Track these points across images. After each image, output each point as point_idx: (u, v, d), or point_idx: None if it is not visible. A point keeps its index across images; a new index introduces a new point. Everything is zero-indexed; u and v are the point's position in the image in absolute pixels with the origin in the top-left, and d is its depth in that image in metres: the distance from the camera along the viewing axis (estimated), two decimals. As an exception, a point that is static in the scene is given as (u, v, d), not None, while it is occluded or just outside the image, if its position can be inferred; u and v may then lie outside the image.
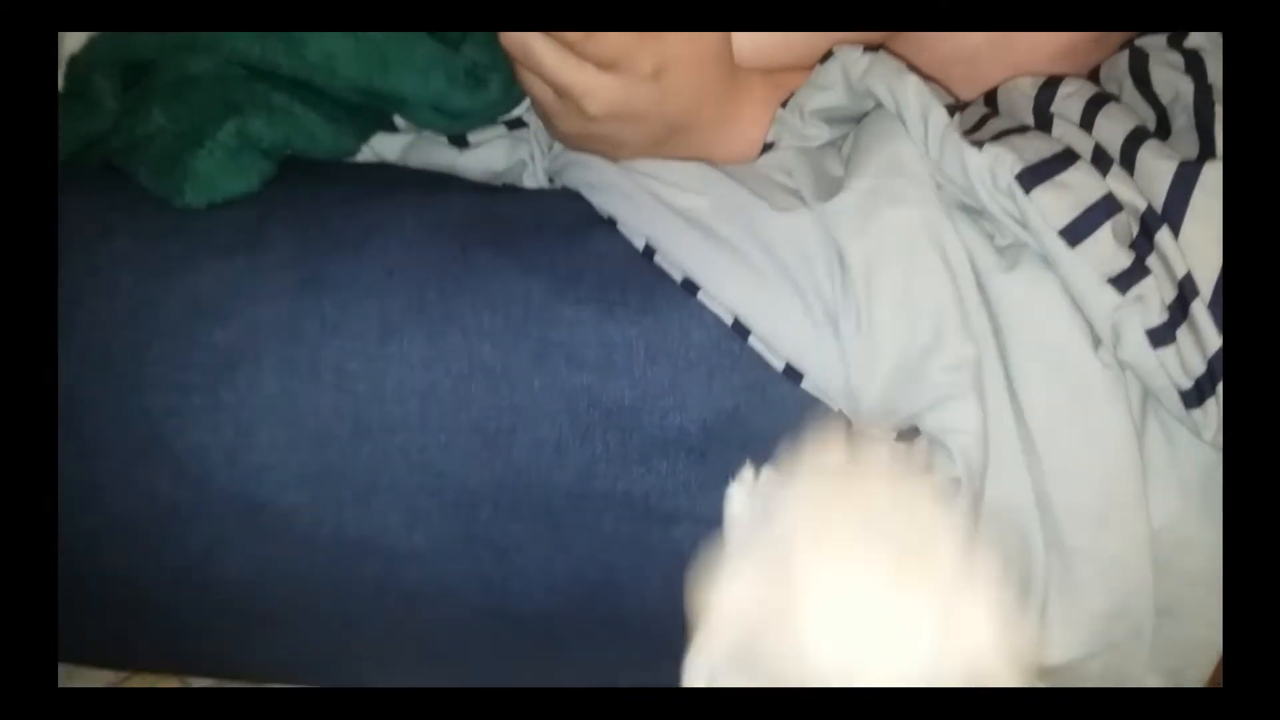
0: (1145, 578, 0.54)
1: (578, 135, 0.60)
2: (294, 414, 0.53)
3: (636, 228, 0.57)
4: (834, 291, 0.54)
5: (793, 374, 0.55)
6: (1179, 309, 0.52)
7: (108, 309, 0.54)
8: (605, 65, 0.54)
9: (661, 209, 0.57)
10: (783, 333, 0.54)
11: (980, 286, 0.55)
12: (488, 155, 0.67)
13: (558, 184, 0.63)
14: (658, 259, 0.56)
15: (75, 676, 0.68)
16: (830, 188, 0.57)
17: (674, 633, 0.58)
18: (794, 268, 0.55)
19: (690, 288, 0.55)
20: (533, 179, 0.67)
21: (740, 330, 0.55)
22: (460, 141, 0.67)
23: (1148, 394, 0.55)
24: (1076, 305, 0.54)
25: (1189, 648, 0.57)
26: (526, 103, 0.66)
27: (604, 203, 0.58)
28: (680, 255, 0.55)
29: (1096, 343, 0.53)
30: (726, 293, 0.55)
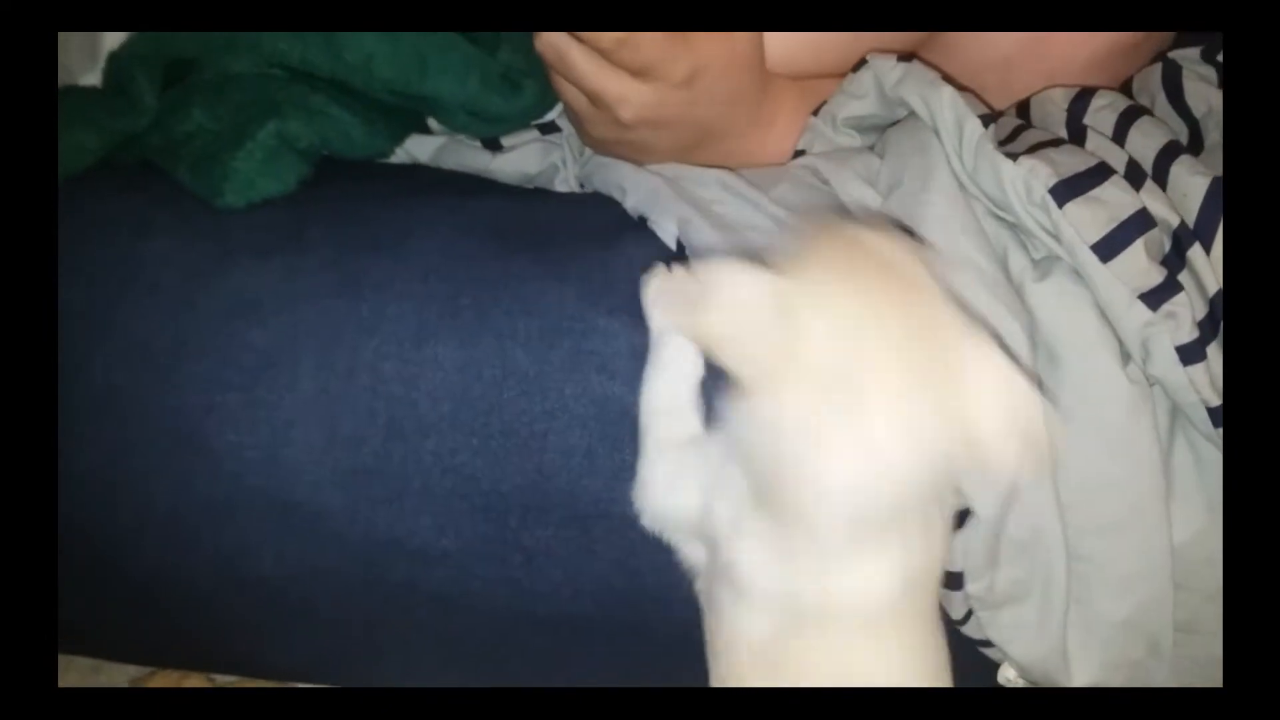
0: (1165, 592, 0.54)
1: (610, 141, 0.60)
2: (329, 414, 0.54)
3: (666, 224, 0.57)
4: None
5: None
6: (1210, 326, 0.52)
7: (147, 307, 0.55)
8: (638, 72, 0.55)
9: (688, 205, 0.57)
10: None
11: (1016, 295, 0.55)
12: (520, 159, 0.67)
13: (589, 188, 0.63)
14: (688, 253, 0.56)
15: (103, 670, 0.68)
16: (864, 194, 0.57)
17: (699, 639, 0.58)
18: None
19: None
20: (565, 183, 0.67)
21: None
22: (494, 145, 0.67)
23: (1176, 410, 0.55)
24: (1105, 319, 0.54)
25: (1207, 663, 0.57)
26: (559, 107, 0.67)
27: (635, 203, 0.58)
28: (706, 249, 0.55)
29: (1125, 357, 0.53)
30: None
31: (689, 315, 0.43)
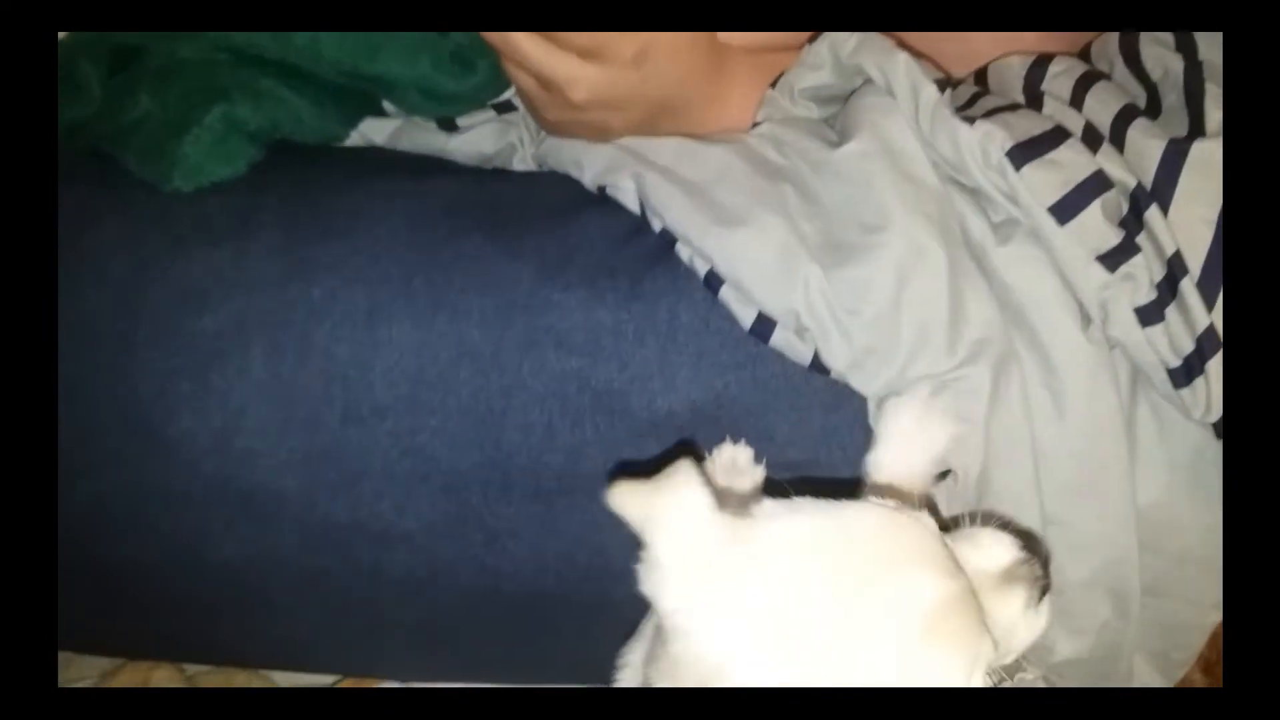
0: (1129, 552, 0.54)
1: (565, 123, 0.59)
2: (283, 399, 0.53)
3: (625, 184, 0.57)
4: (819, 249, 0.54)
5: (764, 325, 0.54)
6: (1168, 287, 0.52)
7: (96, 295, 0.55)
8: (587, 54, 0.54)
9: (645, 165, 0.57)
10: (758, 281, 0.53)
11: (976, 259, 0.55)
12: (477, 139, 0.67)
13: (546, 167, 0.63)
14: (647, 213, 0.56)
15: (73, 663, 0.68)
16: (821, 154, 0.57)
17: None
18: (774, 222, 0.54)
19: (668, 239, 0.55)
20: (522, 162, 0.67)
21: (713, 283, 0.54)
22: (449, 125, 0.67)
23: (1138, 373, 0.54)
24: (1066, 281, 0.53)
25: (1175, 628, 0.57)
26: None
27: (593, 175, 0.58)
28: (661, 204, 0.56)
29: (1086, 320, 0.53)
30: (705, 240, 0.54)
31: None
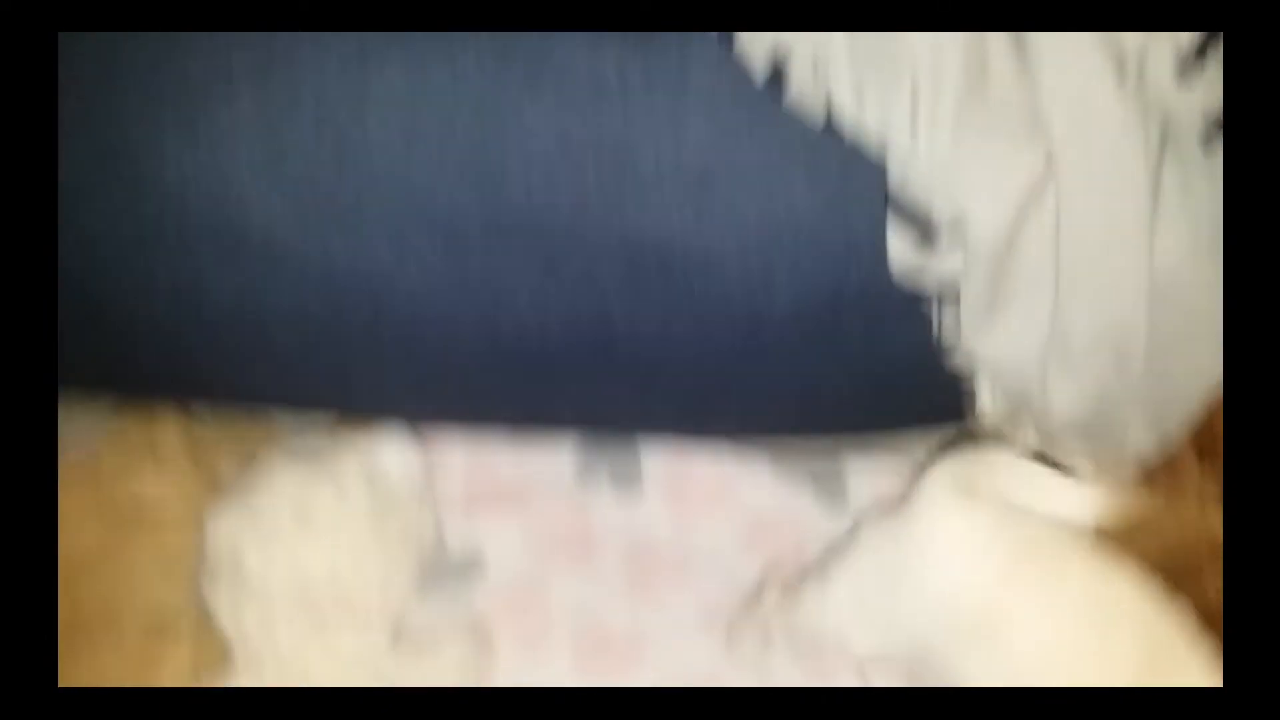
0: (1138, 313, 0.54)
1: None
2: (273, 140, 0.52)
3: None
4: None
5: (778, 79, 0.52)
6: (1206, 39, 0.51)
7: (85, 41, 0.53)
8: None
9: None
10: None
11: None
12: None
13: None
14: None
15: (74, 414, 0.68)
16: None
17: (667, 371, 0.58)
18: None
19: None
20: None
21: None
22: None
23: (1167, 135, 0.53)
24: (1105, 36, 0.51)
25: (1172, 398, 0.58)
26: None
27: None
28: None
29: (1121, 75, 0.52)
30: None
31: None
